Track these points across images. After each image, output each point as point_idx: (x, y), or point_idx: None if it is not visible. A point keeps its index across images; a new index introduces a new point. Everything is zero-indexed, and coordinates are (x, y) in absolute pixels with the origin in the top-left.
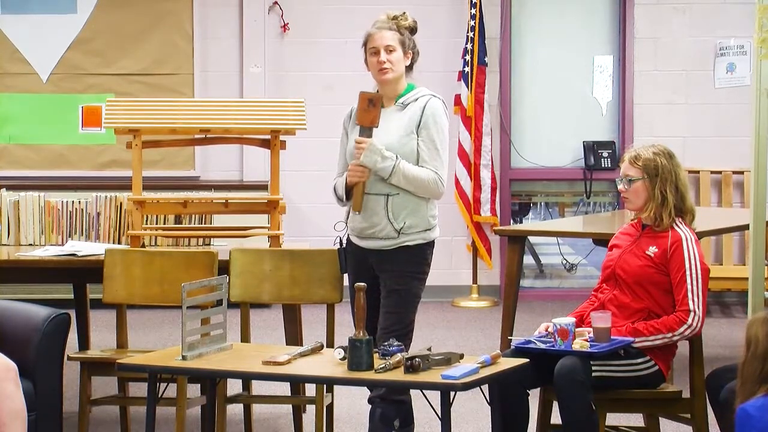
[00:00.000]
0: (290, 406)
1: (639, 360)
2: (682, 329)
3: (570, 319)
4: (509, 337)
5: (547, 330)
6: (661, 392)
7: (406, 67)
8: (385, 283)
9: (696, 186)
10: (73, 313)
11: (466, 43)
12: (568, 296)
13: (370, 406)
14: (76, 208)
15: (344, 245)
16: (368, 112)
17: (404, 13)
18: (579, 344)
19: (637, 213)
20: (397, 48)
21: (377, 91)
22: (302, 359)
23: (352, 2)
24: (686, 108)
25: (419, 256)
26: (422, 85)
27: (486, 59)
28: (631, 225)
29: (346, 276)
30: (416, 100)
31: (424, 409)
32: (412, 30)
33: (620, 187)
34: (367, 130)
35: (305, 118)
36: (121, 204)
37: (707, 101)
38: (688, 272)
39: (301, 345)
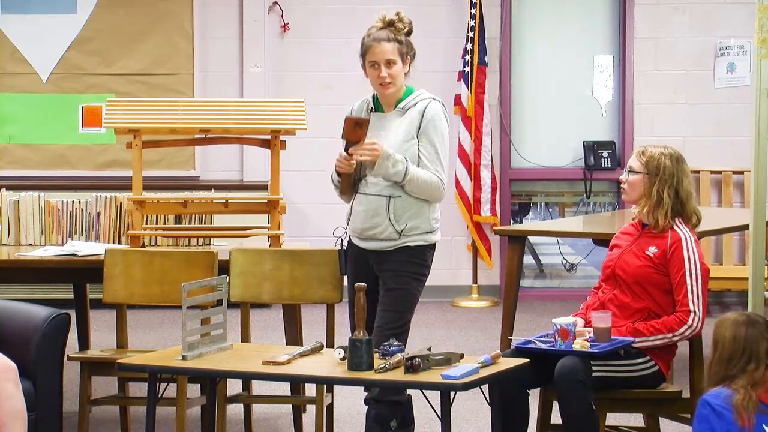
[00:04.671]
0: (290, 406)
1: (639, 360)
2: (682, 330)
3: (571, 319)
4: (509, 337)
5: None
6: (661, 392)
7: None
8: (384, 281)
9: (696, 186)
10: (73, 313)
11: (466, 43)
12: (568, 296)
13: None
14: (76, 208)
15: (345, 247)
16: (355, 132)
17: (399, 14)
18: (579, 344)
19: (635, 209)
20: (398, 60)
21: (374, 95)
22: (302, 359)
23: (352, 2)
24: (686, 108)
25: (419, 257)
26: (422, 85)
27: (486, 59)
28: (632, 225)
29: (345, 277)
30: (416, 104)
31: (424, 409)
32: (409, 32)
33: (622, 177)
34: (353, 144)
35: (305, 118)
36: (121, 204)
37: (707, 101)
38: (687, 273)
39: (301, 345)
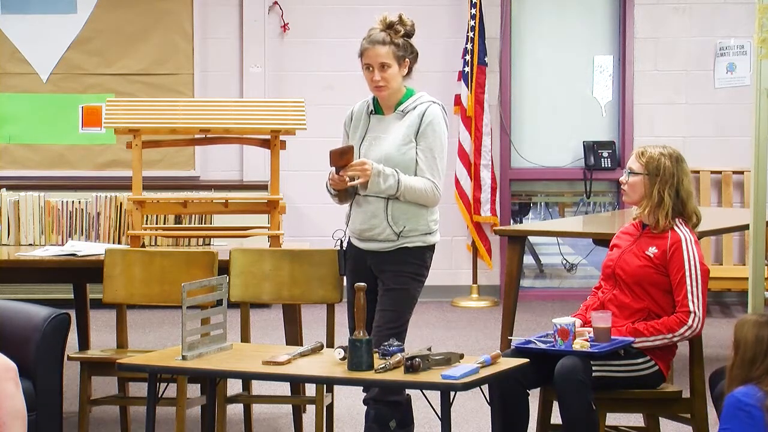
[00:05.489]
0: (290, 406)
1: (639, 360)
2: (682, 330)
3: (571, 319)
4: (509, 337)
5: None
6: (661, 392)
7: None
8: (383, 282)
9: (696, 186)
10: (73, 313)
11: (466, 43)
12: (568, 296)
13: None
14: (76, 208)
15: (344, 248)
16: (343, 159)
17: (401, 17)
18: (579, 344)
19: (637, 210)
20: (393, 64)
21: (374, 97)
22: (302, 359)
23: (352, 2)
24: (686, 108)
25: (418, 258)
26: (422, 86)
27: (486, 59)
28: (632, 224)
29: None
30: (415, 107)
31: (424, 409)
32: (410, 35)
33: (622, 178)
34: (343, 167)
35: (305, 118)
36: (121, 204)
37: (707, 101)
38: (687, 273)
39: (301, 345)
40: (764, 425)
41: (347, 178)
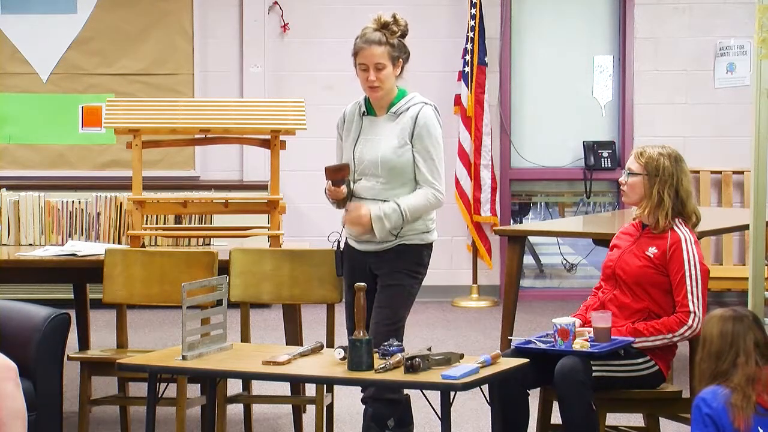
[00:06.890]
0: (290, 406)
1: (639, 360)
2: (682, 330)
3: (571, 319)
4: (509, 337)
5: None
6: (661, 392)
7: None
8: (381, 280)
9: (696, 186)
10: (73, 313)
11: (466, 43)
12: (568, 296)
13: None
14: (76, 208)
15: (342, 249)
16: (338, 173)
17: (395, 16)
18: (579, 344)
19: (637, 211)
20: (388, 64)
21: (366, 98)
22: (302, 359)
23: (352, 2)
24: (686, 108)
25: (416, 255)
26: (422, 85)
27: (486, 59)
28: (632, 225)
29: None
30: (408, 108)
31: (424, 409)
32: (404, 35)
33: (621, 179)
34: (339, 182)
35: (305, 118)
36: (121, 204)
37: (707, 101)
38: (687, 273)
39: (301, 345)
40: (729, 423)
41: (343, 189)
